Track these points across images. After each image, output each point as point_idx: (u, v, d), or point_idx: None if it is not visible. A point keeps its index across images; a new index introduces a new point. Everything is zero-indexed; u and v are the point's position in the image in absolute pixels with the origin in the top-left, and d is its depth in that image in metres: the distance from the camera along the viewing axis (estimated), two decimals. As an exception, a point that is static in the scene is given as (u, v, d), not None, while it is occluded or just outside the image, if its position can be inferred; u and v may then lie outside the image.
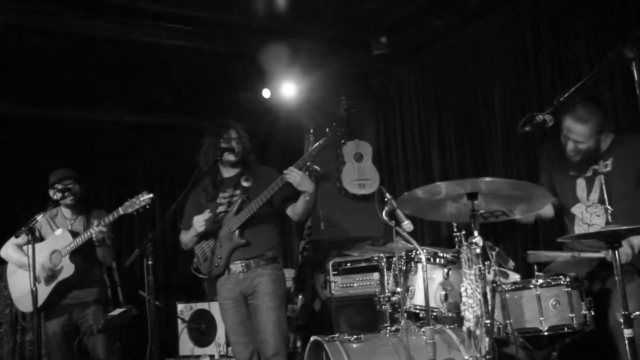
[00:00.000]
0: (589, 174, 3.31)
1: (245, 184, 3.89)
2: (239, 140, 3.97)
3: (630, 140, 3.28)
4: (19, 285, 4.29)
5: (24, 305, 4.28)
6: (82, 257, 4.26)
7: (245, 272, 3.77)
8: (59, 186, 4.37)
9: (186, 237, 4.00)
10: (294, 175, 3.66)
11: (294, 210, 3.85)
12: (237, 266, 3.79)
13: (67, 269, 4.21)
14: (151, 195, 4.05)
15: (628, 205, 3.16)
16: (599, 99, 3.44)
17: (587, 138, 3.20)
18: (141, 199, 4.05)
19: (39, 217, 4.14)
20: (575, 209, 3.36)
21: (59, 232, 4.33)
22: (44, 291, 4.19)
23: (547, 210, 3.47)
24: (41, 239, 4.35)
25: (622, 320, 2.56)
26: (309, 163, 3.75)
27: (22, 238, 4.25)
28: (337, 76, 6.04)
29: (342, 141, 3.99)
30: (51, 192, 4.39)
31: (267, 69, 5.60)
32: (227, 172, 3.99)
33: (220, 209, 3.88)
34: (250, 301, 3.77)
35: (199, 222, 3.80)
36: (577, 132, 3.21)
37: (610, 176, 3.23)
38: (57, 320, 4.26)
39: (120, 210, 4.10)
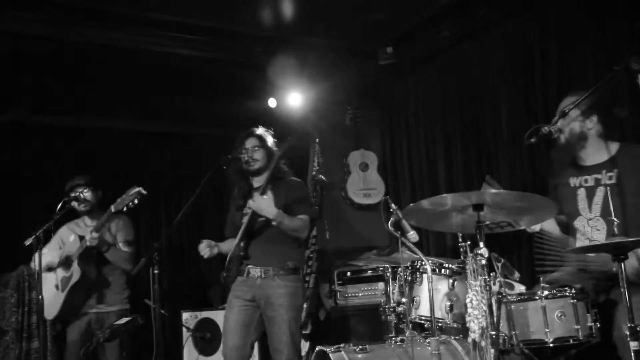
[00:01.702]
0: (591, 183, 3.23)
1: (263, 196, 3.87)
2: (262, 147, 3.93)
3: (635, 151, 3.21)
4: (45, 293, 4.32)
5: (47, 313, 4.36)
6: (92, 261, 4.37)
7: (263, 279, 3.74)
8: (72, 194, 4.48)
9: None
10: (253, 202, 3.65)
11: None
12: (256, 271, 3.77)
13: (76, 273, 4.31)
14: (139, 188, 4.16)
15: (634, 218, 3.10)
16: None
17: (574, 111, 3.11)
18: (130, 194, 4.15)
19: (46, 227, 4.20)
20: (577, 223, 3.28)
21: (71, 238, 4.44)
22: (60, 298, 4.32)
23: (550, 226, 3.40)
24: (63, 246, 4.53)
25: (628, 333, 2.55)
26: (317, 177, 3.73)
27: (47, 247, 4.41)
28: (343, 86, 6.05)
29: (288, 145, 3.96)
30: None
31: (274, 78, 5.63)
32: (256, 182, 3.98)
33: (245, 218, 3.87)
34: (266, 311, 3.74)
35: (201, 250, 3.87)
36: (565, 102, 3.16)
37: (614, 188, 3.15)
38: (76, 329, 4.37)
39: (112, 208, 4.20)
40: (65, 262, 4.40)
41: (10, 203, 5.86)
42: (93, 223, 4.51)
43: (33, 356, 5.08)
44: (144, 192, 4.15)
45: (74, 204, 4.43)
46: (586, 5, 4.39)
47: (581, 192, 3.27)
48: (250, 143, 3.93)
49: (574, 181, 3.31)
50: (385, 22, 5.23)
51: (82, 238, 4.34)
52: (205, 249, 3.85)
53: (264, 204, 3.63)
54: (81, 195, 4.47)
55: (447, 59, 5.65)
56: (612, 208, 3.13)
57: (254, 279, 3.77)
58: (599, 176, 3.22)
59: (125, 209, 4.16)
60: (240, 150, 3.92)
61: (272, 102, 6.08)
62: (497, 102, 5.08)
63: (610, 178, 3.18)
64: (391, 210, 3.22)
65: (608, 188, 3.17)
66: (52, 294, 4.36)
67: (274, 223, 3.66)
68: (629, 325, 2.55)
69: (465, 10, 5.00)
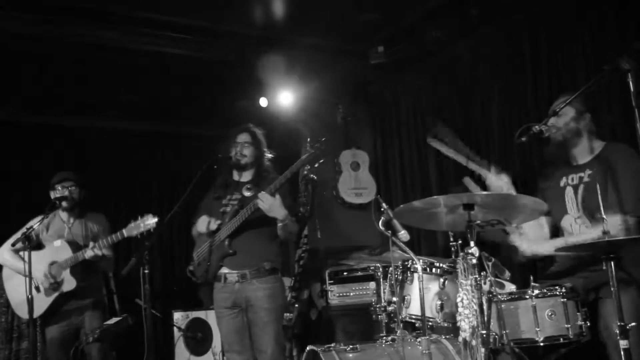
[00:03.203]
0: (576, 182, 3.28)
1: (246, 193, 3.86)
2: (252, 144, 3.94)
3: (612, 149, 3.25)
4: (18, 291, 4.27)
5: (23, 311, 4.26)
6: (83, 270, 4.30)
7: (241, 283, 3.75)
8: (59, 187, 4.41)
9: (194, 232, 4.01)
10: (263, 202, 3.61)
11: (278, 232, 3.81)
12: (233, 276, 3.77)
13: (69, 282, 4.24)
14: (156, 219, 4.08)
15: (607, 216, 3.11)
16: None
17: (567, 109, 3.14)
18: (147, 223, 4.09)
19: (36, 225, 4.16)
20: (565, 222, 3.31)
21: (57, 243, 4.33)
22: (44, 302, 4.22)
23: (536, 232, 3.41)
24: (38, 243, 4.36)
25: (617, 332, 2.56)
26: (309, 176, 3.71)
27: (15, 239, 4.27)
28: (334, 85, 6.05)
29: (321, 160, 3.99)
30: (51, 193, 4.44)
31: (265, 77, 5.62)
32: (239, 176, 3.98)
33: (224, 209, 3.88)
34: (247, 313, 3.75)
35: (201, 224, 3.84)
36: (559, 101, 3.19)
37: (589, 187, 3.19)
38: (56, 326, 4.29)
39: (125, 233, 4.15)
40: (54, 271, 4.27)
41: (1, 201, 5.83)
42: (70, 219, 4.47)
43: (23, 356, 5.05)
44: (158, 221, 4.08)
45: (59, 194, 4.38)
46: (576, 5, 4.40)
47: (569, 191, 3.32)
48: (241, 138, 3.96)
49: (564, 181, 3.35)
50: (376, 21, 5.23)
51: (72, 245, 4.28)
52: (206, 224, 3.83)
53: (275, 205, 3.62)
54: (70, 192, 4.40)
55: (438, 58, 5.66)
56: (601, 205, 3.12)
57: (232, 284, 3.77)
58: (582, 174, 3.27)
59: (139, 237, 4.10)
60: (231, 143, 3.93)
61: (263, 102, 6.08)
62: (488, 102, 5.09)
63: (589, 176, 3.23)
64: (382, 209, 3.22)
65: (585, 186, 3.22)
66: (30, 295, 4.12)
67: (279, 224, 3.68)
68: (618, 323, 2.57)
69: (455, 10, 5.00)
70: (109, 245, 4.22)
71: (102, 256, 4.23)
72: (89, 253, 4.16)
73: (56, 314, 4.29)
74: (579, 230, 3.24)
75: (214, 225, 3.81)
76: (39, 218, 4.30)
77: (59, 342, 4.27)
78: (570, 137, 3.26)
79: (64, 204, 4.39)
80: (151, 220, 4.07)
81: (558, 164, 3.43)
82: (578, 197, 3.26)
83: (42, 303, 4.20)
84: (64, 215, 4.49)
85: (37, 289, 4.25)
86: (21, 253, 4.28)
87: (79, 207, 4.50)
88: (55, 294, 4.24)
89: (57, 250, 4.30)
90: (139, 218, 4.11)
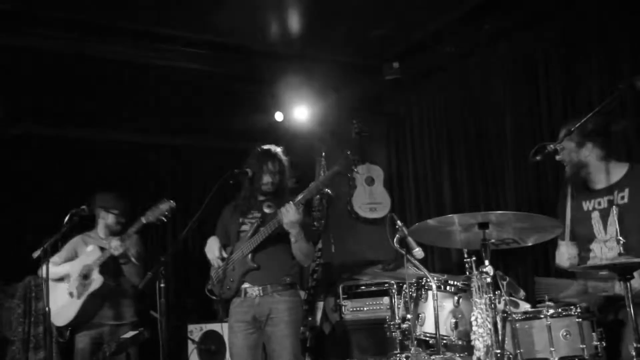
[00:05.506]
0: (604, 205, 3.21)
1: (266, 210, 3.86)
2: (280, 172, 3.91)
3: None
4: (55, 301, 4.31)
5: (58, 320, 4.35)
6: (111, 271, 4.39)
7: (262, 297, 3.76)
8: (108, 213, 4.60)
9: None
10: (287, 213, 3.61)
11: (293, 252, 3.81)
12: (253, 290, 3.78)
13: (96, 281, 4.32)
14: (171, 202, 4.13)
15: None
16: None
17: (567, 143, 3.15)
18: (162, 207, 4.14)
19: (53, 239, 4.22)
20: (594, 245, 3.23)
21: (89, 248, 4.45)
22: (75, 305, 4.31)
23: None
24: (76, 257, 4.52)
25: (634, 354, 2.55)
26: (323, 190, 3.70)
27: (58, 256, 4.45)
28: (349, 100, 6.08)
29: (355, 169, 3.97)
30: (99, 212, 4.60)
31: (280, 92, 5.66)
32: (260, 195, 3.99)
33: (243, 228, 3.90)
34: (265, 327, 3.75)
35: (210, 253, 3.89)
36: (571, 123, 3.16)
37: (626, 208, 3.11)
38: (87, 336, 4.38)
39: (143, 220, 4.20)
40: (85, 272, 4.38)
41: (17, 214, 5.90)
42: (107, 238, 4.55)
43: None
44: (174, 205, 4.14)
45: (109, 220, 4.57)
46: (589, 24, 4.41)
47: (595, 215, 3.24)
48: (272, 167, 3.90)
49: (586, 205, 3.29)
50: (390, 37, 5.26)
51: (102, 249, 4.37)
52: (218, 261, 3.87)
53: (296, 219, 3.62)
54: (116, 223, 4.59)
55: (452, 74, 5.66)
56: (617, 227, 3.10)
57: (252, 299, 3.78)
58: (611, 197, 3.19)
59: (158, 222, 4.16)
60: (260, 169, 3.89)
61: (279, 116, 6.12)
62: (502, 118, 5.08)
63: (622, 198, 3.15)
64: (397, 227, 3.23)
65: (620, 208, 3.14)
66: (65, 301, 4.36)
67: (292, 240, 3.69)
68: (634, 345, 2.56)
69: (469, 26, 5.02)
70: (128, 238, 4.29)
71: (127, 257, 4.32)
72: (113, 244, 4.23)
73: (90, 324, 4.38)
74: (607, 254, 3.16)
75: (220, 262, 3.86)
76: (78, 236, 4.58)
77: (89, 353, 4.34)
78: (577, 170, 3.24)
79: (117, 226, 4.59)
80: (166, 204, 4.12)
81: (578, 185, 3.35)
82: (608, 219, 3.17)
83: (74, 307, 4.30)
84: (101, 232, 4.66)
85: (71, 294, 4.35)
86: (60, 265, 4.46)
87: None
88: (85, 295, 4.31)
89: (89, 254, 4.41)
90: (155, 205, 4.16)
